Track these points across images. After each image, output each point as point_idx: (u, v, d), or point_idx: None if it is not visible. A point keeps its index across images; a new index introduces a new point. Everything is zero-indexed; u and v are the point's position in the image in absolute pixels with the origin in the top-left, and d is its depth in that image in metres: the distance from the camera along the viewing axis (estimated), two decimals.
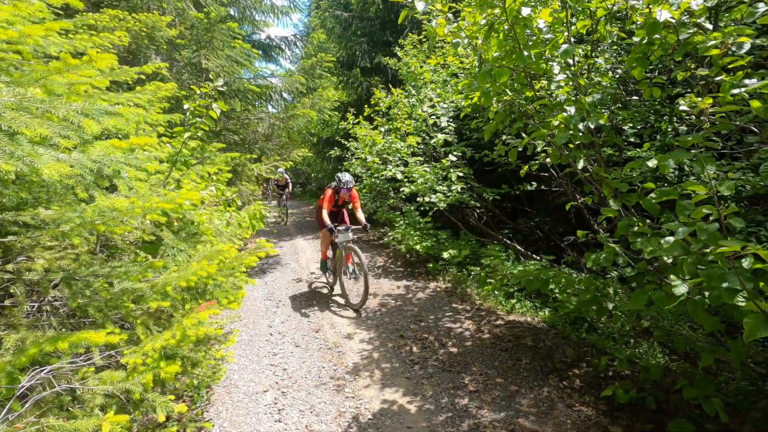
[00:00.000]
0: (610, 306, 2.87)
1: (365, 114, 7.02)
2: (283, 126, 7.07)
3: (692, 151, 1.93)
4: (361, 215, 5.05)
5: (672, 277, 1.90)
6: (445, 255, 5.82)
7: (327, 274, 5.70)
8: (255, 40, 8.20)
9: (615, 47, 3.34)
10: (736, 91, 1.64)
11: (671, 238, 1.82)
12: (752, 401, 2.65)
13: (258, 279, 6.24)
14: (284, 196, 11.82)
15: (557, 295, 3.83)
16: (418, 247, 6.17)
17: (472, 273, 5.48)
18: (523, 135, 2.53)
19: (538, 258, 5.30)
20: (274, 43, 7.99)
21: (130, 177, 2.20)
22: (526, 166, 4.55)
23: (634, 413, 2.63)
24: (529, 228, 6.77)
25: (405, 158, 6.22)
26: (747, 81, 1.66)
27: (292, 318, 4.64)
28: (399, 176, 6.05)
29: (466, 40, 2.50)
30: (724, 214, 1.44)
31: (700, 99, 1.77)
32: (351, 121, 6.64)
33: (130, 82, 2.86)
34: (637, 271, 2.53)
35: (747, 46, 1.85)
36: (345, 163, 7.30)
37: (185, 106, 2.85)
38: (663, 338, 2.95)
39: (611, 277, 3.67)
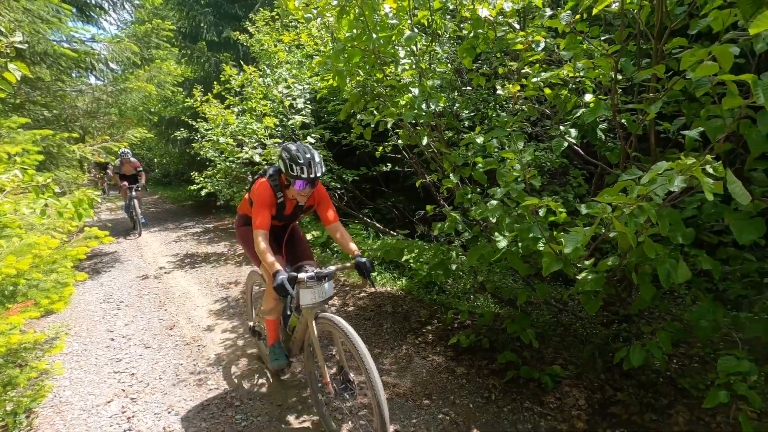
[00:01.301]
0: (454, 267, 3.31)
1: (215, 92, 6.47)
2: (113, 101, 6.06)
3: (508, 130, 2.34)
4: (350, 242, 2.46)
5: (496, 234, 2.29)
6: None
7: (276, 364, 2.73)
8: None
9: (452, 40, 3.77)
10: (535, 79, 2.05)
11: (494, 201, 2.19)
12: (553, 329, 3.40)
13: (91, 281, 5.31)
14: (133, 193, 7.76)
15: (412, 264, 4.22)
16: None
17: (335, 250, 5.63)
18: (376, 114, 2.69)
19: (395, 234, 5.75)
20: (93, 2, 6.71)
21: None
22: (381, 147, 4.85)
23: (474, 354, 3.11)
24: (387, 207, 7.25)
25: (263, 140, 5.97)
26: (543, 73, 2.09)
27: (139, 318, 4.12)
28: (257, 159, 5.78)
29: (318, 18, 2.52)
30: (528, 176, 1.81)
31: (511, 86, 2.15)
32: (198, 98, 6.04)
33: None
34: (473, 235, 2.96)
35: (542, 44, 2.31)
36: (194, 145, 6.64)
37: None
38: (492, 289, 3.54)
39: (455, 245, 4.22)
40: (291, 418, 2.53)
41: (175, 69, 6.94)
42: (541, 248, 1.91)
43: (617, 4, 1.76)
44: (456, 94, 3.78)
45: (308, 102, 6.39)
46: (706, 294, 1.95)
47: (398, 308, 4.06)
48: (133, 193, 7.78)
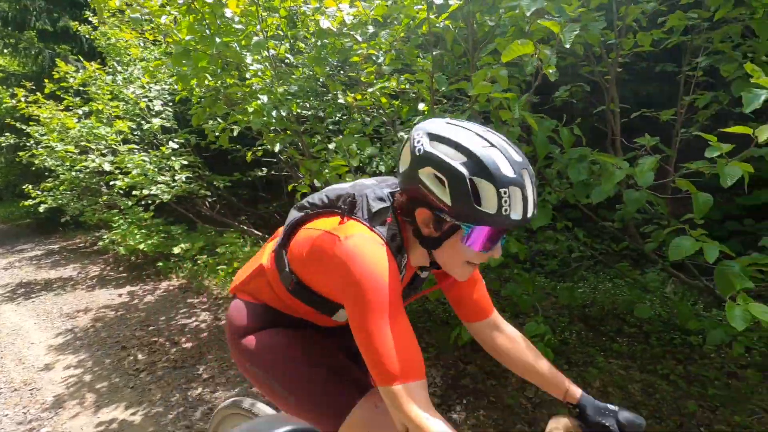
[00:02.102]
0: None
1: (47, 90, 5.55)
2: None
3: (356, 136, 2.49)
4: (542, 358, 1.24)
5: None
6: (176, 250, 5.40)
7: None
8: None
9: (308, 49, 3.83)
10: (371, 90, 2.22)
11: None
12: (419, 317, 3.71)
13: None
14: None
15: None
16: (142, 246, 5.47)
17: (203, 263, 5.29)
18: (220, 122, 2.62)
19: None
20: None
21: None
22: (250, 152, 4.71)
23: None
24: (269, 213, 7.07)
25: (114, 146, 5.32)
26: (376, 83, 2.27)
27: None
28: (107, 167, 5.13)
29: (146, 16, 2.36)
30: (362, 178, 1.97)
31: (353, 97, 2.29)
32: (21, 98, 5.12)
33: None
34: None
35: (381, 57, 2.50)
36: (21, 153, 5.63)
37: None
38: None
39: None
40: None
41: None
42: None
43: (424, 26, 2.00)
44: (319, 101, 3.87)
45: (169, 104, 5.88)
46: (521, 273, 2.32)
47: None
48: None
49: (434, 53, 2.18)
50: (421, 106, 2.35)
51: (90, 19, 6.70)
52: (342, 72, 3.96)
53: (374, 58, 2.42)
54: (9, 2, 8.49)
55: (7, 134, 6.88)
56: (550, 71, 1.39)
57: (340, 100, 2.43)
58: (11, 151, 8.40)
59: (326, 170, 2.31)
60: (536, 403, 2.52)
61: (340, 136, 3.86)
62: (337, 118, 4.22)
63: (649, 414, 2.34)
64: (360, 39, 2.68)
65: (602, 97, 2.70)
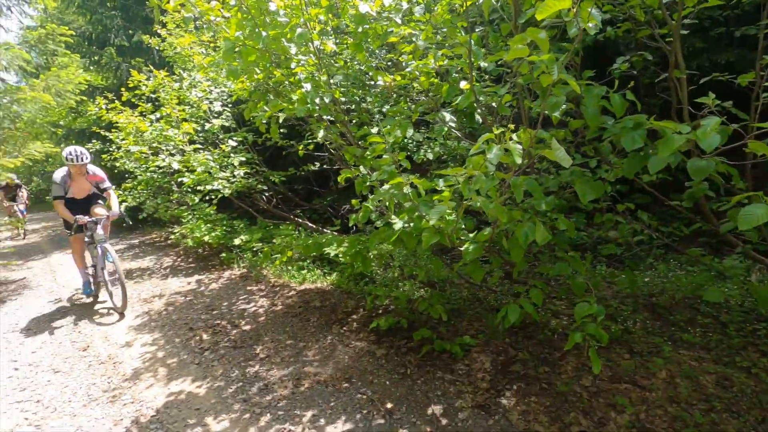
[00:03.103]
0: (372, 254, 3.42)
1: (123, 99, 6.13)
2: (5, 114, 5.56)
3: (398, 119, 2.49)
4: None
5: (393, 217, 2.44)
6: (237, 242, 5.74)
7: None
8: None
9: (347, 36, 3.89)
10: (409, 69, 2.21)
11: (387, 186, 2.33)
12: (469, 304, 3.64)
13: None
14: (18, 201, 9.48)
15: (334, 256, 4.29)
16: (207, 238, 5.88)
17: (258, 251, 5.55)
18: (267, 110, 2.74)
19: (326, 231, 5.80)
20: None
21: None
22: (301, 146, 4.88)
23: (394, 335, 3.26)
24: (323, 207, 7.27)
25: (181, 146, 5.76)
26: (412, 62, 2.25)
27: (49, 344, 3.84)
28: (176, 166, 5.58)
29: (197, 12, 2.52)
30: (399, 158, 1.96)
31: (391, 78, 2.29)
32: (102, 106, 5.69)
33: None
34: (384, 223, 3.10)
35: (420, 38, 2.48)
36: (104, 156, 6.26)
37: None
38: (411, 272, 3.71)
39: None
40: (209, 419, 2.51)
41: (80, 77, 6.47)
42: (424, 225, 2.06)
43: None
44: (364, 89, 3.91)
45: (227, 105, 6.25)
46: (569, 253, 2.20)
47: (326, 302, 4.13)
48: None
49: (477, 30, 2.12)
50: (463, 84, 2.29)
51: (159, 31, 7.30)
52: (383, 59, 3.98)
53: (413, 39, 2.40)
54: (92, 24, 9.47)
55: (93, 141, 7.69)
56: (590, 24, 1.30)
57: (380, 82, 2.44)
58: (97, 156, 9.41)
59: (368, 152, 2.33)
60: (593, 392, 2.38)
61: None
62: (383, 109, 4.26)
63: (724, 407, 2.13)
64: (399, 21, 2.68)
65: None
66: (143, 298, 4.90)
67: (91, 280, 4.63)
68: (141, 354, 3.45)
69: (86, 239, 4.43)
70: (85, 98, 7.41)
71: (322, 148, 5.35)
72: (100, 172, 4.52)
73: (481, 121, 2.48)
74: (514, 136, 1.31)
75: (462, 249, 2.10)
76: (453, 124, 2.34)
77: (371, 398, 2.56)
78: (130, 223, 5.15)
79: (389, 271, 4.87)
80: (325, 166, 6.18)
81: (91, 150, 8.02)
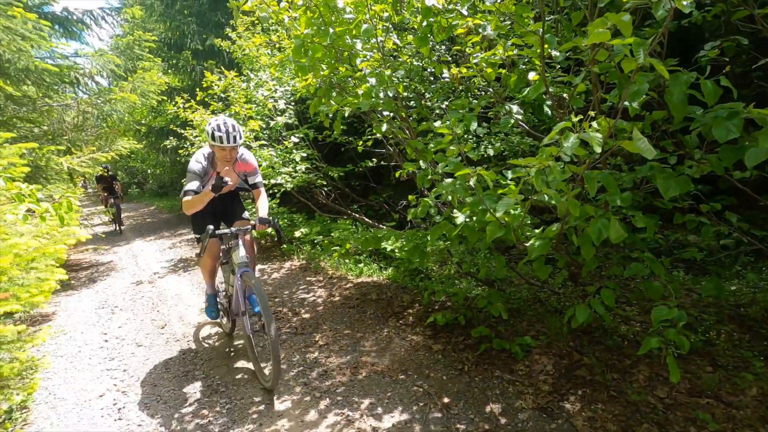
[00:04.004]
0: (428, 249, 3.42)
1: (198, 98, 6.60)
2: (99, 113, 6.20)
3: (461, 112, 2.46)
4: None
5: (455, 211, 2.41)
6: (298, 234, 5.97)
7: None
8: (47, 13, 6.89)
9: (413, 31, 3.89)
10: (475, 60, 2.17)
11: (450, 179, 2.31)
12: (529, 305, 3.51)
13: (87, 290, 5.46)
14: (113, 194, 9.53)
15: (390, 251, 4.32)
16: (269, 230, 6.17)
17: (319, 243, 5.72)
18: (333, 104, 2.81)
19: (382, 227, 5.86)
20: (75, 17, 6.84)
21: None
22: (360, 142, 4.97)
23: (451, 331, 3.23)
24: (379, 203, 7.37)
25: (247, 142, 6.09)
26: (480, 54, 2.20)
27: (133, 321, 4.24)
28: None
29: (270, 11, 2.64)
30: (465, 149, 1.93)
31: (458, 69, 2.27)
32: (180, 105, 6.16)
33: None
34: (443, 218, 3.08)
35: (489, 28, 2.42)
36: (180, 151, 6.77)
37: None
38: (469, 269, 3.65)
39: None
40: (273, 398, 2.64)
41: (160, 79, 7.07)
42: (489, 218, 2.02)
43: None
44: (424, 84, 3.90)
45: (290, 103, 6.51)
46: (646, 253, 2.05)
47: (383, 295, 4.18)
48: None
49: (548, 19, 2.04)
50: (532, 76, 2.22)
51: (230, 35, 7.77)
52: (447, 53, 3.94)
53: (480, 30, 2.35)
54: (171, 30, 10.28)
55: (170, 138, 8.36)
56: (684, 3, 1.20)
57: (445, 76, 2.42)
58: (174, 152, 10.23)
59: (431, 145, 2.33)
60: (669, 404, 2.21)
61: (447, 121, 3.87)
62: (443, 104, 4.23)
63: None
64: (465, 13, 2.64)
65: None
66: None
67: (222, 302, 3.44)
68: (210, 335, 3.71)
69: (221, 258, 3.09)
70: (165, 98, 8.06)
71: (380, 145, 5.42)
72: (253, 159, 3.07)
73: (550, 113, 2.38)
74: (593, 123, 1.24)
75: (527, 245, 2.03)
76: (520, 117, 2.26)
77: (428, 391, 2.56)
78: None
79: (445, 268, 4.83)
80: (382, 163, 6.25)
81: (168, 146, 8.79)
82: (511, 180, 1.88)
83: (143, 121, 11.12)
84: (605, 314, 2.04)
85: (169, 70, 10.61)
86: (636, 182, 2.14)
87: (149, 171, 16.19)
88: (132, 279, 5.82)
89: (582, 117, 1.27)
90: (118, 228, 9.95)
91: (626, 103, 1.64)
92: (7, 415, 2.62)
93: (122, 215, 10.14)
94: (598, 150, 1.22)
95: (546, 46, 1.85)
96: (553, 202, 1.93)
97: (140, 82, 6.24)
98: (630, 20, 1.36)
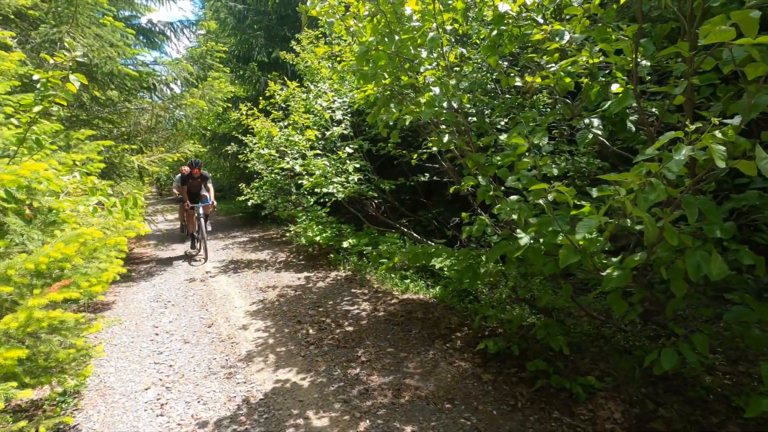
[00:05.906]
0: (482, 270, 3.21)
1: (260, 107, 6.85)
2: (170, 116, 6.59)
3: (531, 125, 2.28)
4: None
5: (518, 231, 2.22)
6: (345, 244, 5.94)
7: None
8: (135, 24, 7.51)
9: (481, 41, 3.75)
10: (552, 69, 1.99)
11: (514, 197, 2.13)
12: (591, 341, 3.19)
13: (145, 282, 5.73)
14: (201, 208, 6.56)
15: (446, 272, 4.13)
16: (318, 238, 6.20)
17: (366, 255, 5.64)
18: (394, 112, 2.72)
19: (431, 243, 5.69)
20: (158, 29, 7.40)
21: None
22: (415, 155, 4.87)
23: (503, 361, 2.98)
24: (428, 219, 7.21)
25: (303, 151, 6.20)
26: (561, 61, 2.02)
27: (183, 317, 4.35)
28: (297, 168, 6.01)
29: (337, 17, 2.62)
30: (540, 163, 1.75)
31: (532, 78, 2.10)
32: (244, 112, 6.41)
33: None
34: (501, 237, 2.87)
35: (567, 35, 2.24)
36: (240, 156, 7.03)
37: (35, 77, 2.53)
38: (525, 294, 3.39)
39: (486, 249, 4.10)
40: (310, 413, 2.54)
41: (227, 87, 7.42)
42: (560, 241, 1.82)
43: None
44: (488, 98, 3.74)
45: (348, 114, 6.58)
46: (748, 294, 1.75)
47: (429, 315, 4.00)
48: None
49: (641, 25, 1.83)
50: (615, 87, 2.00)
51: (294, 47, 8.06)
52: (512, 66, 3.76)
53: (558, 38, 2.18)
54: (241, 43, 10.87)
55: (232, 144, 8.73)
56: None
57: (518, 83, 2.26)
58: (234, 158, 10.69)
59: (498, 157, 2.16)
60: None
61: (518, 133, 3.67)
62: (503, 121, 4.03)
63: None
64: (541, 21, 2.48)
65: None
66: (259, 287, 5.31)
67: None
68: (254, 338, 3.70)
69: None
70: (230, 105, 8.47)
71: (433, 160, 5.29)
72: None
73: (633, 129, 2.14)
74: (717, 133, 1.04)
75: (603, 275, 1.80)
76: (599, 132, 2.05)
77: (476, 426, 2.34)
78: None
79: (496, 291, 4.56)
80: (435, 178, 6.11)
81: (229, 152, 9.19)
82: (595, 199, 1.67)
83: (209, 127, 11.76)
84: (696, 362, 1.75)
85: (236, 80, 11.18)
86: (741, 210, 1.85)
87: (209, 175, 17.04)
88: (186, 276, 6.04)
89: (700, 124, 1.07)
90: (202, 253, 6.83)
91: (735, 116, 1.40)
92: (61, 398, 2.71)
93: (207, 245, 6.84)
94: (722, 165, 1.01)
95: (639, 52, 1.64)
96: (638, 227, 1.70)
97: (209, 89, 6.57)
98: (758, 17, 1.15)
